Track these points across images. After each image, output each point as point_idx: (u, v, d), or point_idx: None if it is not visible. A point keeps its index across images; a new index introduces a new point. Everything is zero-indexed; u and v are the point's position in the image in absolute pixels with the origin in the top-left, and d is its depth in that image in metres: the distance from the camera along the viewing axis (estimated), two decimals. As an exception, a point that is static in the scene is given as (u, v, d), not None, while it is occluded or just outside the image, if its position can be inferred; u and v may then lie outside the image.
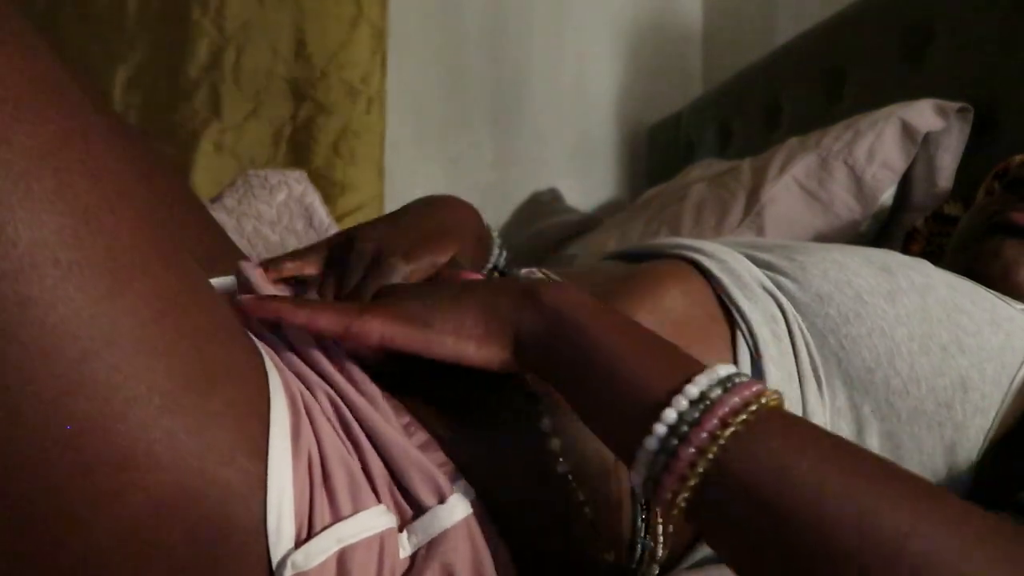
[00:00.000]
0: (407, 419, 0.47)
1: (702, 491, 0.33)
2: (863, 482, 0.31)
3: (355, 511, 0.40)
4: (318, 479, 0.40)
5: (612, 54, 1.92)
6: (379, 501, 0.42)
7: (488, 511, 0.45)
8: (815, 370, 0.50)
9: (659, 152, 1.86)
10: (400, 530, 0.42)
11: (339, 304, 0.45)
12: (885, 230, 1.02)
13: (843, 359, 0.50)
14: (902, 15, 1.11)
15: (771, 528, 0.31)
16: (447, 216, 0.61)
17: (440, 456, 0.45)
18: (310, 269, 0.57)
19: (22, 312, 0.31)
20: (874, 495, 0.31)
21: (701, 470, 0.32)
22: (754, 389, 0.34)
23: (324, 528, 0.39)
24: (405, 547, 0.42)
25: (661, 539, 0.46)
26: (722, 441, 0.32)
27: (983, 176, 0.80)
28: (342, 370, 0.47)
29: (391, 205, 1.67)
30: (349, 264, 0.55)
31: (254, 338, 0.45)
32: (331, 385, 0.46)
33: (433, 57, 1.79)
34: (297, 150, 1.51)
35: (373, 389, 0.46)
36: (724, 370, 0.35)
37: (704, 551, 0.50)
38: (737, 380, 0.34)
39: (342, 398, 0.45)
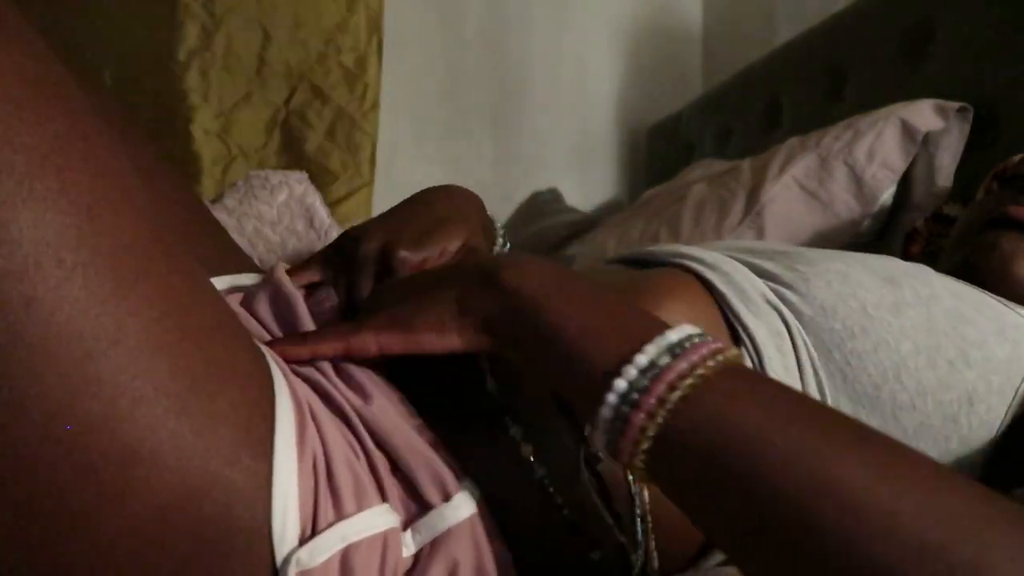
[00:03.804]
0: (419, 421, 0.47)
1: (656, 453, 0.34)
2: (814, 436, 0.32)
3: (359, 510, 0.40)
4: (323, 478, 0.40)
5: (612, 54, 1.92)
6: (384, 500, 0.42)
7: (491, 511, 0.45)
8: (820, 386, 0.49)
9: (659, 152, 1.86)
10: (405, 528, 0.42)
11: (333, 328, 0.47)
12: (885, 230, 1.02)
13: (849, 375, 0.49)
14: (902, 15, 1.11)
15: (716, 484, 0.32)
16: (450, 204, 0.61)
17: (448, 455, 0.46)
18: (313, 278, 0.58)
19: (27, 312, 0.31)
20: (828, 448, 0.31)
21: (652, 433, 0.34)
22: (703, 351, 0.35)
23: (328, 526, 0.39)
24: (409, 545, 0.42)
25: (652, 537, 0.46)
26: (669, 405, 0.33)
27: (983, 176, 0.80)
28: (352, 374, 0.47)
29: (391, 205, 1.67)
30: (357, 266, 0.55)
31: (257, 340, 0.45)
32: (338, 386, 0.46)
33: (433, 57, 1.79)
34: (290, 136, 1.48)
35: (391, 391, 0.48)
36: (678, 334, 0.36)
37: (711, 562, 0.50)
38: (687, 345, 0.35)
39: (350, 400, 0.45)
